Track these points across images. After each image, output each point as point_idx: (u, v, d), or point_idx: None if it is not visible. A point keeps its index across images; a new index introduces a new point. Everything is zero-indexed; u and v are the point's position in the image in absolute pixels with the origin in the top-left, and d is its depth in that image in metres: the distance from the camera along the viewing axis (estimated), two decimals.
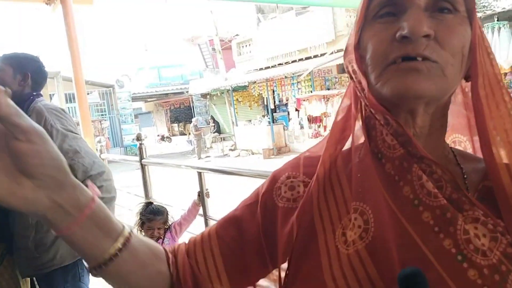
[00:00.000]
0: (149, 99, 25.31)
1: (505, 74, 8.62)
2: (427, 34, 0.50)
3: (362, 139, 0.61)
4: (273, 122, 14.93)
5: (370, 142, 0.58)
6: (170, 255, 0.62)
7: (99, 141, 4.61)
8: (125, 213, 3.68)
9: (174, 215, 2.88)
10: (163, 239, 2.69)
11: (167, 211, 2.77)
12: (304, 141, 12.51)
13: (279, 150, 14.35)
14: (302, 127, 13.00)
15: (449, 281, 0.47)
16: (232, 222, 0.66)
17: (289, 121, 14.42)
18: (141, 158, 3.69)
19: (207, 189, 2.89)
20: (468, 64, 0.56)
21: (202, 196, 2.87)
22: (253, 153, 14.92)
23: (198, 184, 2.90)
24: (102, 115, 16.14)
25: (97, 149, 4.93)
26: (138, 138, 3.75)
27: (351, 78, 0.59)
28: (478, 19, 0.57)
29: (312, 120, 12.15)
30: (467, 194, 0.51)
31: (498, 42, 7.97)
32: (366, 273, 0.50)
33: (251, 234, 0.64)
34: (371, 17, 0.56)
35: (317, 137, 11.62)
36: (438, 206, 0.50)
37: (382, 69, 0.53)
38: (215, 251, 0.64)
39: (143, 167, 3.73)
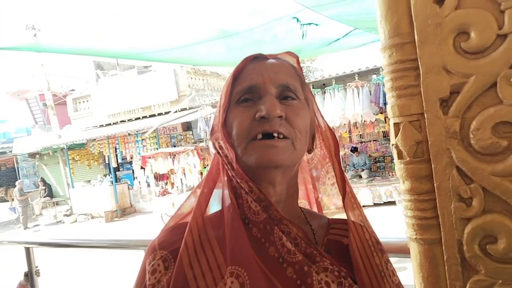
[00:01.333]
0: None
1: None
2: (280, 115, 0.65)
3: (227, 202, 0.69)
4: (117, 182, 14.05)
5: (239, 209, 0.68)
6: None
7: None
8: None
9: None
10: None
11: None
12: (151, 199, 12.05)
13: (124, 212, 13.45)
14: (148, 185, 12.53)
15: None
16: None
17: (134, 179, 13.77)
18: None
19: (37, 267, 2.48)
20: (311, 139, 0.74)
21: (31, 276, 2.44)
22: (93, 217, 13.60)
23: (26, 262, 2.47)
24: None
25: None
26: None
27: (218, 153, 0.71)
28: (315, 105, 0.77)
29: (159, 177, 11.88)
30: (317, 247, 0.66)
31: None
32: None
33: None
34: (234, 102, 0.69)
35: (164, 194, 11.35)
36: (296, 261, 0.62)
37: (246, 143, 0.66)
38: None
39: None
